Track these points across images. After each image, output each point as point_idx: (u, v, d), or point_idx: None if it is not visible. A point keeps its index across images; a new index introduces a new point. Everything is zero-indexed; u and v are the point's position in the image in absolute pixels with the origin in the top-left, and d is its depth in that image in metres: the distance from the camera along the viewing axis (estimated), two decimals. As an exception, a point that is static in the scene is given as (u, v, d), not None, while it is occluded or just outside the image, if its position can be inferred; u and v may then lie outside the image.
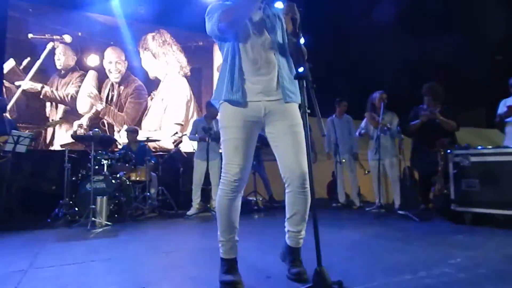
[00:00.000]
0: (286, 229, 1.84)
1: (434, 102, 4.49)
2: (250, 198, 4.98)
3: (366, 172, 5.21)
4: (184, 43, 7.07)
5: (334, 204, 5.20)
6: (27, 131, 5.01)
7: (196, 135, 4.85)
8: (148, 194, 4.85)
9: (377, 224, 3.60)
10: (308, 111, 1.56)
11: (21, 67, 5.70)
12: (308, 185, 1.71)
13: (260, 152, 5.59)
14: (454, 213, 3.54)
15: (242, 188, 1.75)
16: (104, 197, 3.93)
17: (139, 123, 6.36)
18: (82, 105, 6.02)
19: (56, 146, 5.73)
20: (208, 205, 4.68)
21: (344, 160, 5.12)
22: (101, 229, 3.66)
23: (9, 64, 5.63)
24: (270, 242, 2.84)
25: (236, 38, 1.75)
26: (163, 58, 6.85)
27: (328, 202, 5.78)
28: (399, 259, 2.20)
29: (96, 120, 6.05)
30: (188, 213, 4.66)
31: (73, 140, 5.26)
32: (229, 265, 1.73)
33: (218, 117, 1.90)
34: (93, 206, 3.80)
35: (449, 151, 3.74)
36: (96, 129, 4.28)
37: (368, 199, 6.10)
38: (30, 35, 5.80)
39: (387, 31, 6.17)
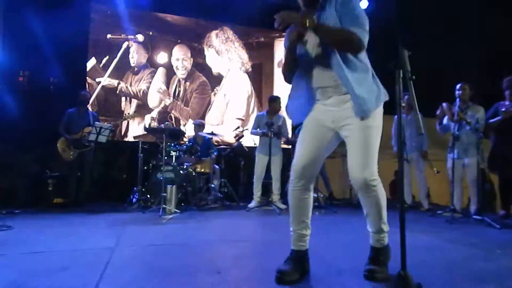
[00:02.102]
0: (368, 229, 1.86)
1: None
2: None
3: (436, 172, 4.88)
4: (246, 40, 7.21)
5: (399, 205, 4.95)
6: (106, 123, 5.50)
7: (258, 129, 4.94)
8: (212, 185, 5.06)
9: (451, 228, 3.37)
10: (403, 104, 1.49)
11: (101, 65, 6.26)
12: (373, 188, 1.68)
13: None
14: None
15: (309, 183, 1.78)
16: (173, 186, 4.19)
17: (202, 118, 6.63)
18: (152, 100, 6.45)
19: (129, 138, 6.21)
20: (270, 199, 4.74)
21: (410, 159, 4.85)
22: (170, 216, 3.91)
23: (91, 63, 6.22)
24: (336, 238, 2.82)
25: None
26: (226, 54, 7.05)
27: (392, 202, 5.52)
28: (481, 266, 2.04)
29: (164, 114, 6.44)
30: (250, 205, 4.77)
31: (145, 133, 5.66)
32: (291, 255, 1.81)
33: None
34: (164, 194, 4.07)
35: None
36: (167, 122, 4.56)
37: (436, 201, 5.72)
38: (108, 36, 6.34)
39: (465, 18, 5.64)
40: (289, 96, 1.88)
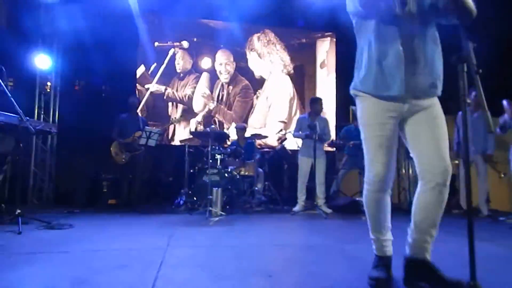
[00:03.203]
0: (411, 238, 1.63)
1: None
2: (357, 199, 4.79)
3: (502, 175, 4.51)
4: (287, 41, 7.18)
5: (455, 210, 4.64)
6: (154, 127, 5.73)
7: (300, 132, 4.88)
8: (256, 188, 5.08)
9: (518, 236, 3.09)
10: (469, 101, 1.38)
11: (149, 71, 6.55)
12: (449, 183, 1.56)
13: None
14: None
15: (389, 186, 1.68)
16: (219, 189, 4.26)
17: (245, 121, 6.70)
18: (197, 105, 6.63)
19: (176, 142, 6.43)
20: (315, 203, 4.65)
21: (471, 161, 4.51)
22: (217, 218, 3.97)
23: (140, 70, 6.53)
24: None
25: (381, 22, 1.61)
26: (268, 57, 7.07)
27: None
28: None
29: (208, 118, 6.59)
30: (294, 209, 4.71)
31: (191, 136, 5.83)
32: (379, 262, 1.71)
33: (357, 112, 1.78)
34: (210, 197, 4.14)
35: None
36: (213, 126, 4.66)
37: (496, 207, 5.28)
38: (156, 43, 6.62)
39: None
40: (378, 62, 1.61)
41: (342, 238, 3.04)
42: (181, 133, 6.48)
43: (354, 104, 1.79)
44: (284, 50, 7.14)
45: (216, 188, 4.25)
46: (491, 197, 5.01)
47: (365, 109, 1.69)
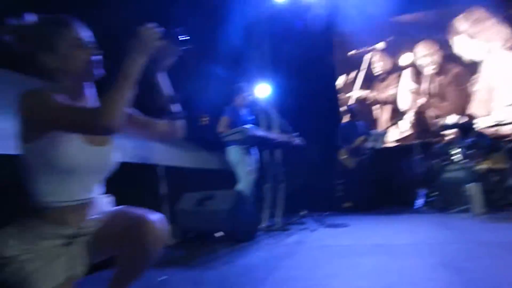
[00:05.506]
0: None
1: None
2: None
3: None
4: (505, 12, 6.12)
5: None
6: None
7: None
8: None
9: None
10: None
11: (349, 80, 6.76)
12: None
13: None
14: None
15: None
16: (477, 184, 3.88)
17: (464, 110, 6.00)
18: (405, 102, 6.37)
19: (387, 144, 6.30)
20: None
21: None
22: (481, 216, 3.61)
23: (340, 80, 6.81)
24: None
25: None
26: (480, 37, 6.21)
27: None
28: None
29: (420, 114, 6.23)
30: None
31: (405, 135, 5.60)
32: None
33: None
34: (469, 193, 3.81)
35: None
36: (458, 116, 4.34)
37: None
38: (352, 52, 6.79)
39: None
40: None
41: None
42: (391, 134, 6.31)
43: None
44: (501, 23, 6.13)
45: (473, 184, 3.88)
46: None
47: None
